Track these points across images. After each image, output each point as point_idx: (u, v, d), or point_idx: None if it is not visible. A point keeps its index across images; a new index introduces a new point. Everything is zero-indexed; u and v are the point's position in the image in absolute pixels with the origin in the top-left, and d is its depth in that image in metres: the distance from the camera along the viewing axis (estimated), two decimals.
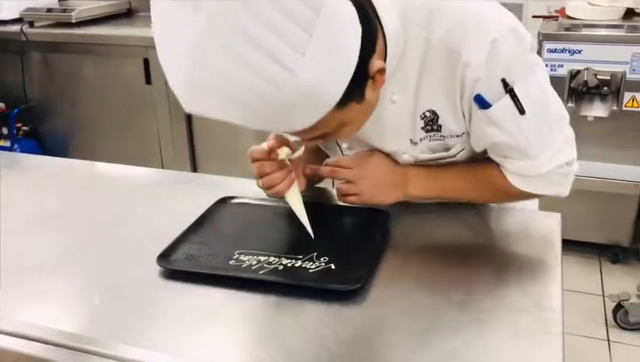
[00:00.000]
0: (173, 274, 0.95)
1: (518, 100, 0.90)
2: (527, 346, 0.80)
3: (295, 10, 0.70)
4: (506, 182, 0.99)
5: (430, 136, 0.99)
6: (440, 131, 0.98)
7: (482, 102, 0.91)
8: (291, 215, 1.04)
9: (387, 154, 1.05)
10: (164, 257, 0.96)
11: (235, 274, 0.92)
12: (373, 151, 1.05)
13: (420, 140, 1.00)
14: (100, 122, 3.07)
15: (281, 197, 1.02)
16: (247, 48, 0.69)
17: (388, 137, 1.02)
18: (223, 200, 1.14)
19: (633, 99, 2.37)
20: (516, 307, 0.86)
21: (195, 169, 2.98)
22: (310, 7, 0.70)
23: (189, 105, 0.73)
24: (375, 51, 0.84)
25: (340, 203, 1.09)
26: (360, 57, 0.77)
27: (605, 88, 2.35)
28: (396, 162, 1.05)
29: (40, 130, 3.20)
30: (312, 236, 1.00)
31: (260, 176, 1.01)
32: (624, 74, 2.32)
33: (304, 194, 1.07)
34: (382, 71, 0.84)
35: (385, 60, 0.89)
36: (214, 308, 0.89)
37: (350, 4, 0.77)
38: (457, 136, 0.98)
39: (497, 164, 1.00)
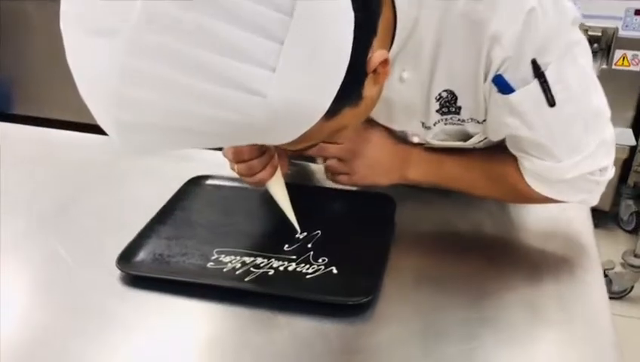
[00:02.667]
0: (137, 279, 0.77)
1: (549, 88, 0.72)
2: None
3: (258, 18, 0.50)
4: (522, 182, 0.83)
5: (446, 120, 0.82)
6: (458, 114, 0.80)
7: (503, 86, 0.73)
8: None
9: (389, 130, 0.88)
10: (125, 258, 0.78)
11: (215, 283, 0.75)
12: (371, 124, 0.88)
13: (434, 124, 0.83)
14: (49, 72, 2.77)
15: (261, 186, 0.84)
16: (191, 78, 0.50)
17: (396, 117, 0.85)
18: (196, 181, 0.96)
19: (624, 57, 2.24)
20: (558, 323, 0.72)
21: None
22: (279, 9, 0.51)
23: (125, 146, 0.54)
24: (376, 35, 0.65)
25: (333, 185, 0.92)
26: (354, 53, 0.57)
27: (595, 45, 2.21)
28: (398, 139, 0.89)
29: None
30: (299, 231, 0.84)
31: (237, 161, 0.82)
32: (616, 30, 2.18)
33: (289, 172, 0.91)
34: (385, 62, 0.65)
35: (393, 37, 0.71)
36: (189, 325, 0.72)
37: None
38: (479, 122, 0.81)
39: (516, 159, 0.83)
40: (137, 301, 0.75)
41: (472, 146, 0.85)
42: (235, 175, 0.86)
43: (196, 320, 0.73)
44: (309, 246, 0.81)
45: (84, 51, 0.51)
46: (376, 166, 0.88)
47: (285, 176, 0.86)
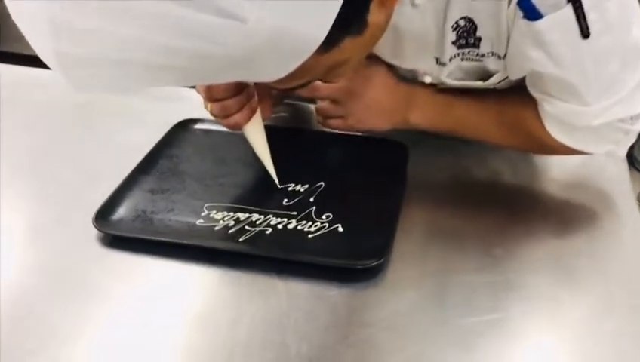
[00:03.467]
0: (116, 239, 0.68)
1: (584, 15, 0.61)
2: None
3: None
4: (540, 129, 0.73)
5: (463, 54, 0.71)
6: (477, 47, 0.70)
7: (530, 10, 0.62)
8: (279, 150, 0.77)
9: (392, 68, 0.78)
10: (103, 216, 0.69)
11: (205, 244, 0.66)
12: (370, 60, 0.77)
13: (450, 60, 0.72)
14: None
15: (237, 130, 0.73)
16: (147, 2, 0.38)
17: (406, 52, 0.74)
18: (185, 125, 0.86)
19: None
20: (593, 286, 0.64)
21: None
22: None
23: (73, 84, 0.44)
24: None
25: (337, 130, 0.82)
26: None
27: None
28: (401, 78, 0.78)
29: None
30: (278, 185, 0.74)
31: (210, 100, 0.71)
32: None
33: (279, 113, 0.81)
34: None
35: None
36: (175, 292, 0.64)
37: None
38: (500, 57, 0.70)
39: (536, 102, 0.73)
40: (117, 264, 0.66)
41: (492, 87, 0.75)
42: None
43: (183, 286, 0.64)
44: (312, 200, 0.72)
45: None
46: (374, 108, 0.78)
47: (273, 120, 0.76)
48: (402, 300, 0.62)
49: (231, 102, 0.70)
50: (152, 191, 0.74)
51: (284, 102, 0.91)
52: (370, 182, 0.76)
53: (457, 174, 0.81)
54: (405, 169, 0.78)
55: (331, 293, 0.62)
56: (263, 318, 0.60)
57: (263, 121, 0.74)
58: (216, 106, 0.71)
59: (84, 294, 0.63)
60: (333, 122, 0.80)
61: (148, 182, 0.75)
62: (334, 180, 0.76)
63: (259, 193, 0.74)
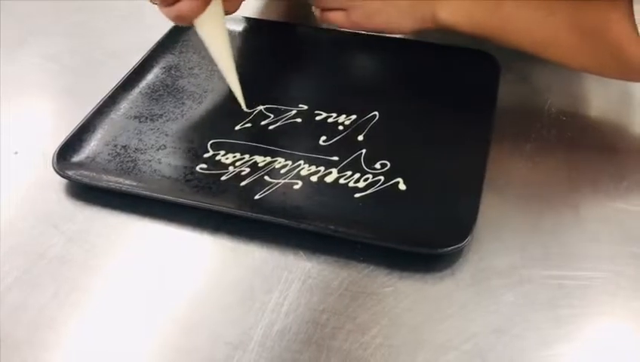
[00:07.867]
0: (86, 189, 0.49)
1: None
2: None
3: None
4: (630, 40, 0.51)
5: None
6: None
7: None
8: (310, 60, 0.55)
9: None
10: (67, 154, 0.49)
11: (206, 204, 0.46)
12: None
13: None
14: None
15: (185, 24, 0.51)
16: None
17: None
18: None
19: None
20: None
21: None
22: None
23: None
24: None
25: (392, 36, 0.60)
26: None
27: None
28: None
29: None
30: (244, 108, 0.53)
31: None
32: None
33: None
34: None
35: None
36: (165, 268, 0.44)
37: None
38: None
39: (627, 2, 0.51)
40: (83, 224, 0.47)
41: None
42: (248, 14, 0.54)
43: (172, 264, 0.45)
44: (360, 139, 0.51)
45: None
46: None
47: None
48: (499, 307, 0.41)
49: None
50: (139, 118, 0.53)
51: None
52: (446, 113, 0.54)
53: (554, 103, 0.58)
54: (495, 95, 0.55)
55: (386, 289, 0.42)
56: (283, 325, 0.40)
57: (227, 14, 0.51)
58: None
59: (37, 263, 0.44)
60: (332, 15, 0.60)
61: (133, 104, 0.54)
62: (394, 110, 0.53)
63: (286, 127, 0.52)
